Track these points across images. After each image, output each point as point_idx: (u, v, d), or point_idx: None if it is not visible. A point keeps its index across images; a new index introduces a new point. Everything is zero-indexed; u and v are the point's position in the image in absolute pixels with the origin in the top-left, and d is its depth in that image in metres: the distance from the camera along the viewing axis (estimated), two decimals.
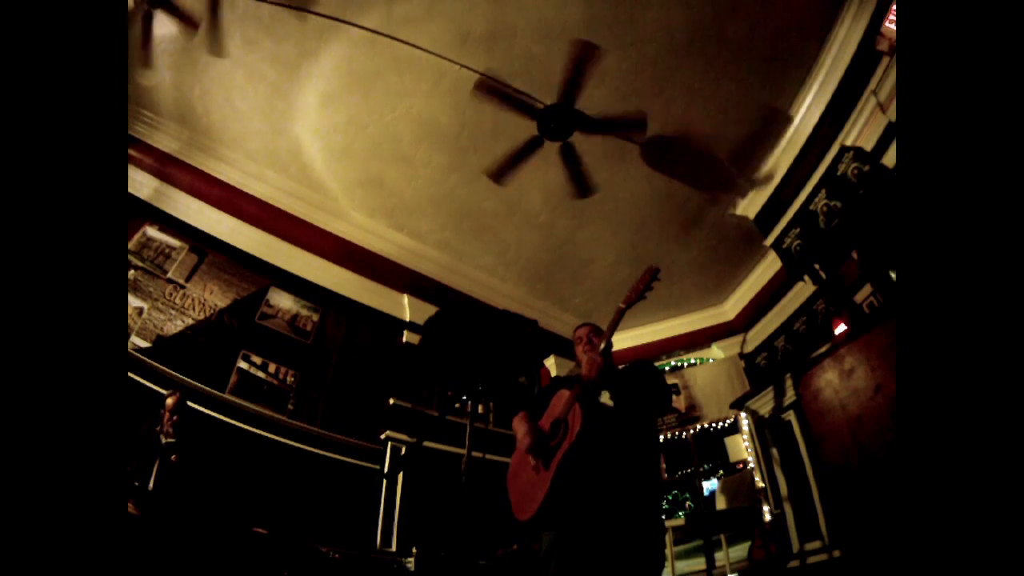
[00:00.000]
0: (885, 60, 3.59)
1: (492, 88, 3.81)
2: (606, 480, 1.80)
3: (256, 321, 4.38)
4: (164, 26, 3.68)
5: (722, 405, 5.45)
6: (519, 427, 2.09)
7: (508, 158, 4.19)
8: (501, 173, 4.26)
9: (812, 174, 4.36)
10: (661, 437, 5.64)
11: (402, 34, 3.78)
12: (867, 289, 3.91)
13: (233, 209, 4.66)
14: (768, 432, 3.78)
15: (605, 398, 1.97)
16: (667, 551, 4.26)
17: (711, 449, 6.24)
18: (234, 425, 3.73)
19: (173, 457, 2.93)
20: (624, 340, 6.51)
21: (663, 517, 2.34)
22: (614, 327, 2.01)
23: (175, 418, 3.06)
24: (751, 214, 5.08)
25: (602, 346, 1.99)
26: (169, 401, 3.12)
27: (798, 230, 4.49)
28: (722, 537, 4.42)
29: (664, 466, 5.88)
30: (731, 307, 6.42)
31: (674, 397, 5.74)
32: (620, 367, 2.24)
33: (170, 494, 2.80)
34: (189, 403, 3.33)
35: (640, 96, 4.15)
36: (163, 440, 2.98)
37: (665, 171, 4.78)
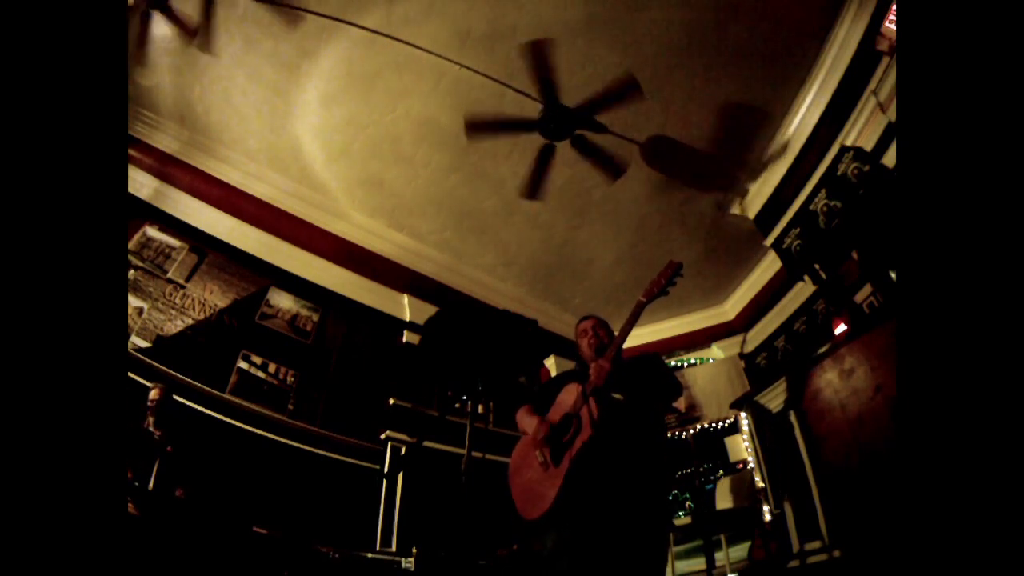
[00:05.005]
0: (885, 60, 3.59)
1: (482, 125, 3.76)
2: (619, 477, 1.78)
3: (256, 321, 4.38)
4: (162, 26, 3.68)
5: (722, 405, 5.45)
6: (526, 420, 2.05)
7: (498, 120, 4.08)
8: (480, 127, 4.06)
9: (812, 174, 4.36)
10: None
11: (402, 34, 3.78)
12: (867, 289, 3.91)
13: (233, 209, 4.66)
14: (768, 432, 3.78)
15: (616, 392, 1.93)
16: (668, 551, 4.26)
17: (711, 449, 6.24)
18: (234, 425, 3.73)
19: (168, 448, 2.93)
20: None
21: (670, 516, 2.31)
22: (633, 321, 1.95)
23: (158, 408, 3.05)
24: (751, 214, 5.08)
25: (613, 352, 1.92)
26: (152, 394, 3.10)
27: (798, 230, 4.49)
28: (722, 537, 4.41)
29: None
30: (731, 307, 6.42)
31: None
32: (626, 360, 2.19)
33: (170, 493, 2.80)
34: (190, 403, 3.33)
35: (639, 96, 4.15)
36: (153, 434, 2.98)
37: (665, 171, 4.78)
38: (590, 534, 1.72)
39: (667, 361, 6.74)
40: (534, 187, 4.33)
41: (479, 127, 4.04)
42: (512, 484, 1.99)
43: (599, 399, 1.86)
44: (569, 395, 1.97)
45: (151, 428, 3.02)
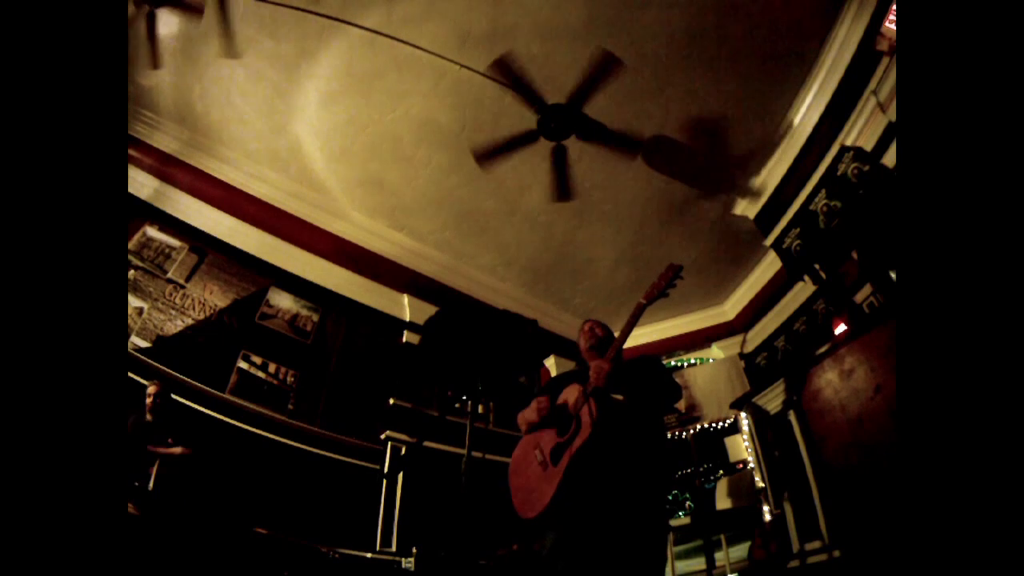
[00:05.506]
0: (885, 60, 3.59)
1: (510, 70, 3.73)
2: (617, 478, 1.79)
3: (256, 321, 4.38)
4: (166, 25, 3.68)
5: (722, 405, 5.45)
6: (527, 411, 2.07)
7: (498, 143, 4.14)
8: (488, 156, 4.20)
9: (812, 174, 4.36)
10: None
11: (402, 34, 3.78)
12: (867, 289, 3.91)
13: (233, 209, 4.66)
14: (768, 432, 3.78)
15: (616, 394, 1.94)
16: (668, 551, 4.26)
17: (711, 449, 6.24)
18: (234, 425, 3.73)
19: (169, 440, 2.95)
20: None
21: (667, 518, 2.33)
22: (634, 323, 1.99)
23: (157, 401, 3.13)
24: (751, 214, 5.08)
25: (613, 353, 1.96)
26: (150, 389, 3.17)
27: (798, 230, 4.48)
28: (722, 537, 4.41)
29: None
30: (731, 307, 6.42)
31: None
32: (627, 361, 2.21)
33: (170, 494, 2.80)
34: (190, 403, 3.33)
35: (639, 96, 4.15)
36: (148, 418, 3.03)
37: (665, 171, 4.78)
38: (587, 534, 1.73)
39: (667, 361, 6.75)
40: (562, 188, 4.35)
41: (487, 155, 4.15)
42: (511, 484, 2.01)
43: (599, 399, 1.87)
44: (570, 395, 1.99)
45: (148, 416, 3.04)
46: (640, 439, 1.90)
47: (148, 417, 3.08)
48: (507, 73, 3.78)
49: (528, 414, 2.07)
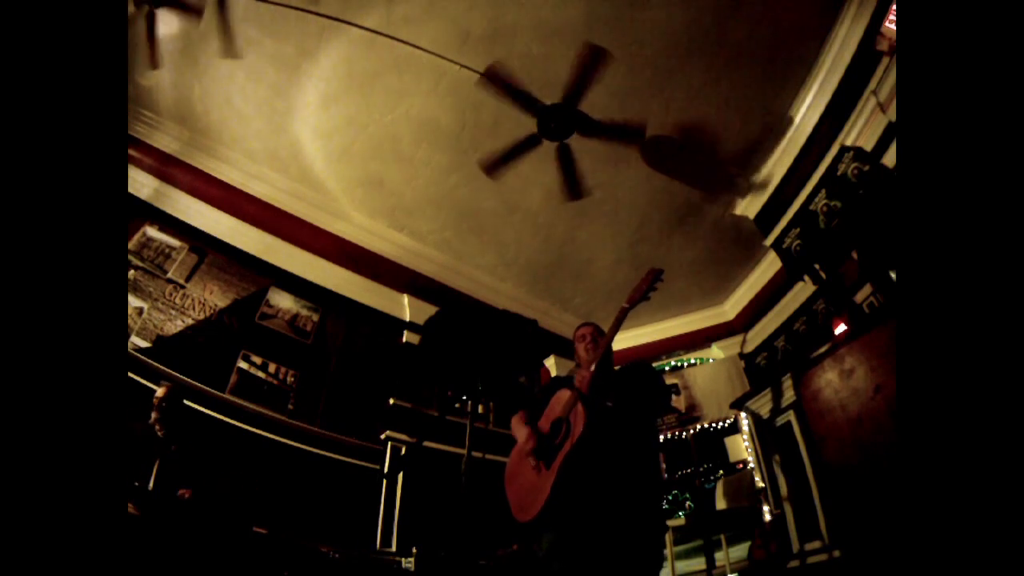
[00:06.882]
0: (885, 60, 3.59)
1: (499, 79, 3.76)
2: (609, 479, 1.81)
3: (256, 321, 4.38)
4: (166, 25, 3.69)
5: (722, 405, 5.45)
6: (518, 429, 2.10)
7: (503, 152, 4.17)
8: (495, 166, 4.24)
9: (812, 174, 4.36)
10: (661, 437, 5.65)
11: (402, 34, 3.78)
12: (867, 289, 3.91)
13: (233, 209, 4.66)
14: (768, 432, 3.78)
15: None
16: (667, 551, 4.26)
17: (711, 449, 6.23)
18: (234, 425, 3.72)
19: (172, 448, 2.92)
20: (624, 340, 6.52)
21: (664, 518, 2.37)
22: (617, 327, 2.02)
23: (164, 405, 2.99)
24: (751, 214, 5.08)
25: (597, 358, 2.00)
26: (159, 392, 3.04)
27: (798, 230, 4.48)
28: (722, 537, 4.41)
29: (664, 466, 5.90)
30: (731, 307, 6.42)
31: (674, 397, 5.74)
32: (617, 368, 2.25)
33: (172, 493, 2.80)
34: (190, 403, 3.32)
35: (639, 96, 4.15)
36: (158, 431, 2.96)
37: (665, 171, 4.78)
38: (583, 534, 1.75)
39: (667, 361, 6.75)
40: (572, 186, 4.36)
41: (495, 165, 4.21)
42: (508, 491, 2.04)
43: (587, 403, 1.90)
44: (560, 399, 2.02)
45: (155, 427, 2.99)
46: (629, 441, 1.93)
47: (155, 418, 2.97)
48: (498, 81, 3.79)
49: (518, 435, 2.09)
